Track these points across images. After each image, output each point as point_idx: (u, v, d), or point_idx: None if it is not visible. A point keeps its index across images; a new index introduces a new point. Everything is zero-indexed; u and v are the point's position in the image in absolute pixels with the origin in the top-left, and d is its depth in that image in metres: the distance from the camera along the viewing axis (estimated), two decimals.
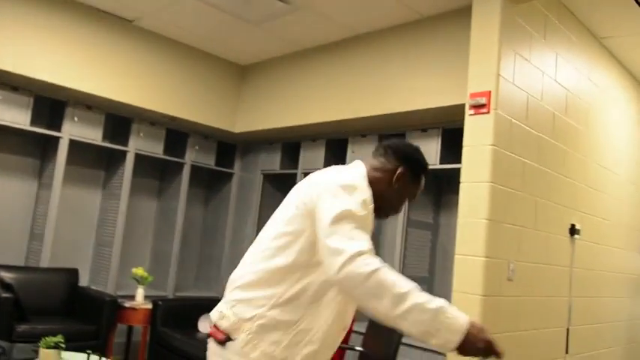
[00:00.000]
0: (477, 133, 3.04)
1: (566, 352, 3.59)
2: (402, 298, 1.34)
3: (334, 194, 1.50)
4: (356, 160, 1.76)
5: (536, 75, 3.38)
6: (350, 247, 1.38)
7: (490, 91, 3.01)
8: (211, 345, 1.60)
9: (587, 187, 3.93)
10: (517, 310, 3.16)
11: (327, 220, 1.44)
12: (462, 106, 3.16)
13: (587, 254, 3.90)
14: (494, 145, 2.96)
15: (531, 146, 3.30)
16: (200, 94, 5.12)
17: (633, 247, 4.78)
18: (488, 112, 3.00)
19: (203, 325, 4.52)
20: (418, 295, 1.36)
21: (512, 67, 3.14)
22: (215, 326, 1.59)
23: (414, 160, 1.74)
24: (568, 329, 3.62)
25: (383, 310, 1.36)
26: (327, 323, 1.56)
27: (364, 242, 1.41)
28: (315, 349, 1.55)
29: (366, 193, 1.56)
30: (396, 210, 1.76)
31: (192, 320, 4.53)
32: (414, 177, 1.73)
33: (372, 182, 1.66)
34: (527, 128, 3.26)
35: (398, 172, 1.70)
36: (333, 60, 4.53)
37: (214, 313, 1.63)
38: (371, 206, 1.56)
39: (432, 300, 1.36)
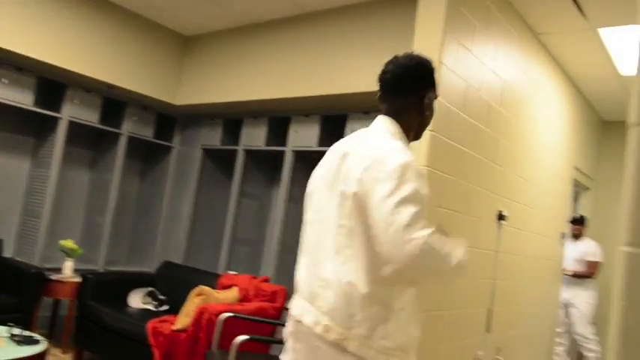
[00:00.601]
0: None
1: (487, 331, 3.79)
2: (450, 260, 1.49)
3: (390, 179, 1.47)
4: (378, 118, 1.71)
5: (477, 65, 3.49)
6: (421, 229, 1.42)
7: None
8: (317, 342, 1.54)
9: (515, 176, 4.13)
10: (444, 290, 3.30)
11: (390, 204, 1.43)
12: None
13: (511, 239, 4.11)
14: (432, 131, 3.04)
15: (467, 134, 3.42)
16: (140, 63, 4.94)
17: (553, 234, 5.09)
18: None
19: (134, 300, 4.43)
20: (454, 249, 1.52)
21: (455, 56, 3.23)
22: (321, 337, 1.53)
23: (427, 78, 1.71)
24: (490, 309, 3.82)
25: (444, 277, 1.63)
26: (412, 294, 1.57)
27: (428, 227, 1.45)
28: (414, 323, 1.57)
29: (412, 164, 1.52)
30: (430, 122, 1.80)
31: (123, 295, 4.44)
32: (433, 86, 1.74)
33: (405, 125, 1.67)
34: (465, 116, 3.37)
35: (425, 101, 1.70)
36: (279, 37, 4.49)
37: (314, 325, 1.55)
38: (420, 170, 1.55)
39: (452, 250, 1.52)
